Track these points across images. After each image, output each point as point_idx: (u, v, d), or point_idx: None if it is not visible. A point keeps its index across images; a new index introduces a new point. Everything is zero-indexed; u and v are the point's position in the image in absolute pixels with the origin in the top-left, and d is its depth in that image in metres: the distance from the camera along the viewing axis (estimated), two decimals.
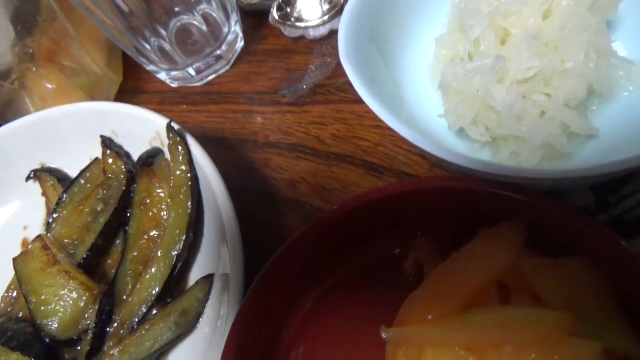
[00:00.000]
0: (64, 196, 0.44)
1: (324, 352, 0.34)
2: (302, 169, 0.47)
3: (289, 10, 0.54)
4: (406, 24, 0.44)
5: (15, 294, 0.41)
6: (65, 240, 0.42)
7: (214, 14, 0.53)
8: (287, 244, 0.33)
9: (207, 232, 0.41)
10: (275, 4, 0.55)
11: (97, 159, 0.46)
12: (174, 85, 0.58)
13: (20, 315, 0.39)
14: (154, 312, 0.38)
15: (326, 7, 0.53)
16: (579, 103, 0.36)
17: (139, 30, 0.49)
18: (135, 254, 0.41)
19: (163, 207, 0.42)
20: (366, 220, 0.34)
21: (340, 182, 0.45)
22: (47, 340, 0.37)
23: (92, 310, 0.37)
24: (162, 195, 0.43)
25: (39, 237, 0.41)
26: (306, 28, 0.54)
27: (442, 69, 0.38)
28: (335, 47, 0.51)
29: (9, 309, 0.40)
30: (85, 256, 0.40)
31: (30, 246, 0.40)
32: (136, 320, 0.38)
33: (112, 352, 0.35)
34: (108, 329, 0.38)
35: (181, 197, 0.40)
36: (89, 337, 0.37)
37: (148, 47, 0.51)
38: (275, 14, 0.55)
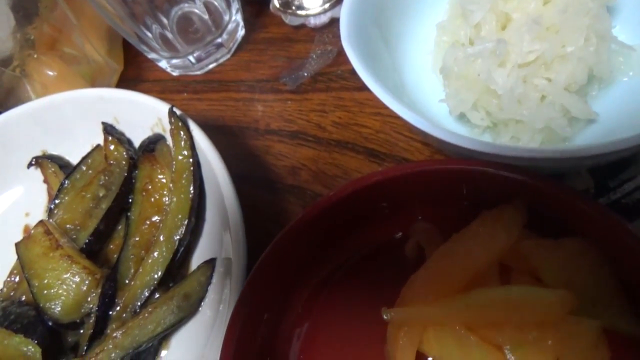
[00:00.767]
0: (66, 182, 0.45)
1: (325, 335, 0.34)
2: (303, 155, 0.47)
3: None
4: (407, 10, 0.44)
5: (17, 279, 0.41)
6: (67, 226, 0.42)
7: (215, 2, 0.53)
8: (288, 228, 0.33)
9: (208, 217, 0.41)
10: None
11: (98, 145, 0.47)
12: (175, 73, 0.58)
13: (23, 299, 0.40)
14: (156, 295, 0.39)
15: None
16: (579, 87, 0.36)
17: (140, 17, 0.49)
18: (137, 238, 0.41)
19: (165, 192, 0.42)
20: (367, 204, 0.34)
21: (341, 168, 0.45)
22: (50, 323, 0.37)
23: (94, 294, 0.37)
24: (164, 181, 0.43)
25: (41, 222, 0.41)
26: (307, 16, 0.54)
27: (444, 54, 0.38)
28: (336, 35, 0.52)
29: (12, 293, 0.41)
30: (87, 241, 0.41)
31: (32, 231, 0.41)
32: (138, 303, 0.38)
33: (115, 335, 0.36)
34: (111, 312, 0.38)
35: (183, 181, 0.40)
36: (91, 320, 0.37)
37: (149, 34, 0.51)
38: (276, 2, 0.55)
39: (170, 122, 0.41)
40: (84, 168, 0.46)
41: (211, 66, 0.57)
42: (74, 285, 0.38)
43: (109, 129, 0.45)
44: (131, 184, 0.43)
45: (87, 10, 0.53)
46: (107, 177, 0.44)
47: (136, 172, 0.44)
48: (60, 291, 0.38)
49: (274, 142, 0.49)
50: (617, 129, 0.35)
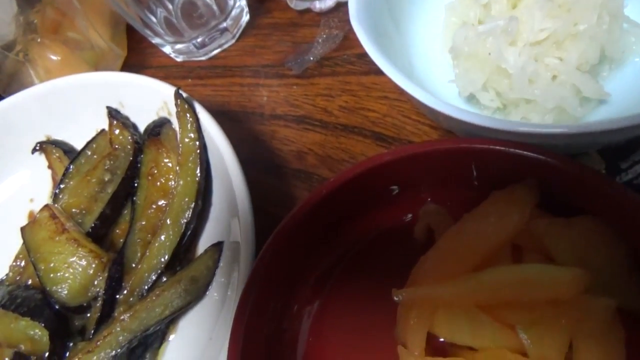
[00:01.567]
0: (71, 167, 0.44)
1: (335, 318, 0.34)
2: (309, 140, 0.47)
3: None
4: None
5: (23, 263, 0.41)
6: (73, 210, 0.42)
7: None
8: (295, 210, 0.32)
9: (215, 201, 0.41)
10: None
11: (103, 130, 0.46)
12: (179, 59, 0.57)
13: (29, 282, 0.39)
14: (164, 279, 0.38)
15: None
16: (591, 67, 0.36)
17: (144, 1, 0.49)
18: (143, 223, 0.41)
19: (171, 177, 0.42)
20: (376, 185, 0.34)
21: (348, 152, 0.45)
22: (57, 307, 0.37)
23: (101, 277, 0.37)
24: (170, 165, 0.43)
25: (46, 206, 0.41)
26: (312, 0, 0.53)
27: (453, 34, 0.37)
28: (342, 20, 0.51)
29: (18, 277, 0.40)
30: (93, 225, 0.40)
31: (37, 215, 0.40)
32: (145, 287, 0.38)
33: (122, 318, 0.35)
34: (118, 296, 0.38)
35: (189, 164, 0.39)
36: (98, 304, 0.37)
37: (154, 18, 0.51)
38: None
39: (176, 105, 0.40)
40: (89, 153, 0.45)
41: (216, 51, 0.56)
42: (80, 269, 0.37)
43: (113, 113, 0.45)
44: (137, 168, 0.43)
45: None
46: (112, 162, 0.43)
47: (141, 156, 0.43)
48: (66, 275, 0.37)
49: (279, 127, 0.49)
50: (628, 109, 0.35)
